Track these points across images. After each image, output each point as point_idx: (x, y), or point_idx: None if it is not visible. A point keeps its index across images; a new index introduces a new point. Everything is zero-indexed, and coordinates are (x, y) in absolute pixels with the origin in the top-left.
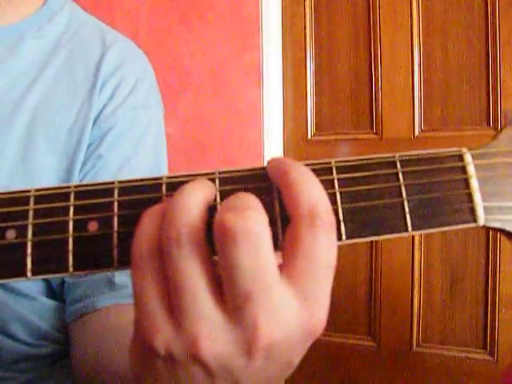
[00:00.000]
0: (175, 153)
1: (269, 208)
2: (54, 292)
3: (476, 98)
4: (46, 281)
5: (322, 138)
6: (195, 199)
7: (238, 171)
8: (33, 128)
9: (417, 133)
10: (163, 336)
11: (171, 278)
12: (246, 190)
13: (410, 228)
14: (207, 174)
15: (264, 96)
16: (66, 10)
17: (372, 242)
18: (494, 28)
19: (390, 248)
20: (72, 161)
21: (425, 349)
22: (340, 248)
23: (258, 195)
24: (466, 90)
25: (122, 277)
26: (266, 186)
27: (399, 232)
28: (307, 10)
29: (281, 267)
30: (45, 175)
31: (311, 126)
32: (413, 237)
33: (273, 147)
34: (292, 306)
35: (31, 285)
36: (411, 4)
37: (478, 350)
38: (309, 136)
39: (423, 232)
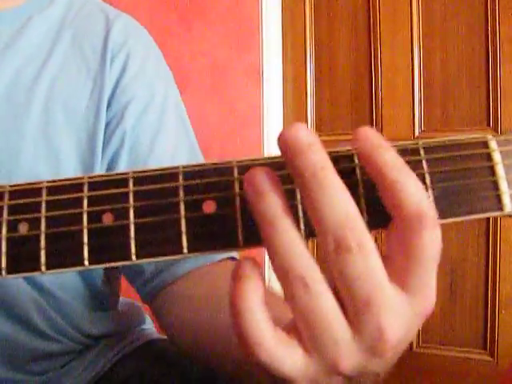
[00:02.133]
0: None
1: (290, 196)
2: (78, 289)
3: (476, 98)
4: (72, 277)
5: (322, 138)
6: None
7: (258, 160)
8: (50, 106)
9: (417, 133)
10: (299, 367)
11: (303, 313)
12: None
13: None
14: (226, 162)
15: (264, 96)
16: None
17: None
18: (494, 28)
19: None
20: (92, 139)
21: (425, 349)
22: None
23: (283, 184)
24: (466, 90)
25: None
26: (286, 174)
27: None
28: (307, 10)
29: (390, 266)
30: (67, 155)
31: (311, 126)
32: None
33: (273, 147)
34: (406, 302)
35: (52, 280)
36: (411, 4)
37: (478, 351)
38: None
39: (448, 221)
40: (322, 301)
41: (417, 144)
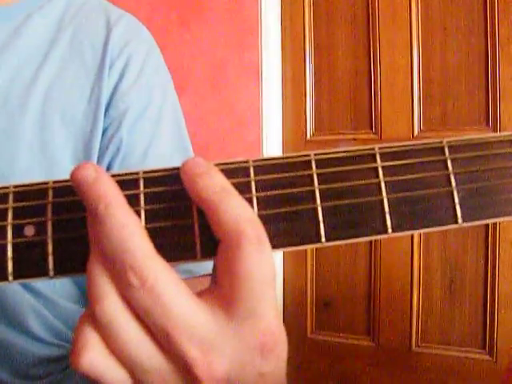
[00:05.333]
0: None
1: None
2: (74, 295)
3: (475, 98)
4: (68, 283)
5: (321, 137)
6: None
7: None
8: (47, 110)
9: (416, 133)
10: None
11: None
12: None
13: (460, 220)
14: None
15: (263, 96)
16: None
17: (371, 242)
18: (494, 28)
19: (390, 248)
20: (88, 146)
21: (424, 349)
22: (340, 248)
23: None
24: (466, 90)
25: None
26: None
27: (448, 224)
28: (307, 10)
29: (218, 294)
30: (63, 163)
31: (310, 125)
32: (412, 236)
33: (272, 147)
34: (227, 330)
35: (48, 285)
36: (411, 4)
37: (477, 350)
38: (308, 136)
39: (474, 224)
40: (124, 328)
41: (441, 143)
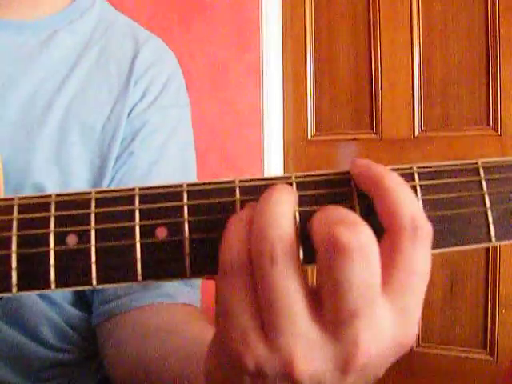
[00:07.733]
0: None
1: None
2: (79, 301)
3: (476, 98)
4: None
5: (322, 137)
6: (285, 209)
7: (315, 175)
8: (67, 123)
9: (417, 133)
10: (255, 354)
11: (264, 294)
12: (324, 195)
13: (493, 239)
14: (284, 177)
15: (264, 96)
16: (97, 6)
17: None
18: (494, 27)
19: None
20: (105, 158)
21: (425, 349)
22: None
23: (338, 201)
24: (466, 90)
25: None
26: (345, 191)
27: (482, 242)
28: (307, 10)
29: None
30: (78, 172)
31: (311, 125)
32: None
33: (273, 147)
34: (389, 321)
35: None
36: (411, 4)
37: (478, 350)
38: (309, 136)
39: (506, 243)
40: (286, 283)
41: (476, 164)
